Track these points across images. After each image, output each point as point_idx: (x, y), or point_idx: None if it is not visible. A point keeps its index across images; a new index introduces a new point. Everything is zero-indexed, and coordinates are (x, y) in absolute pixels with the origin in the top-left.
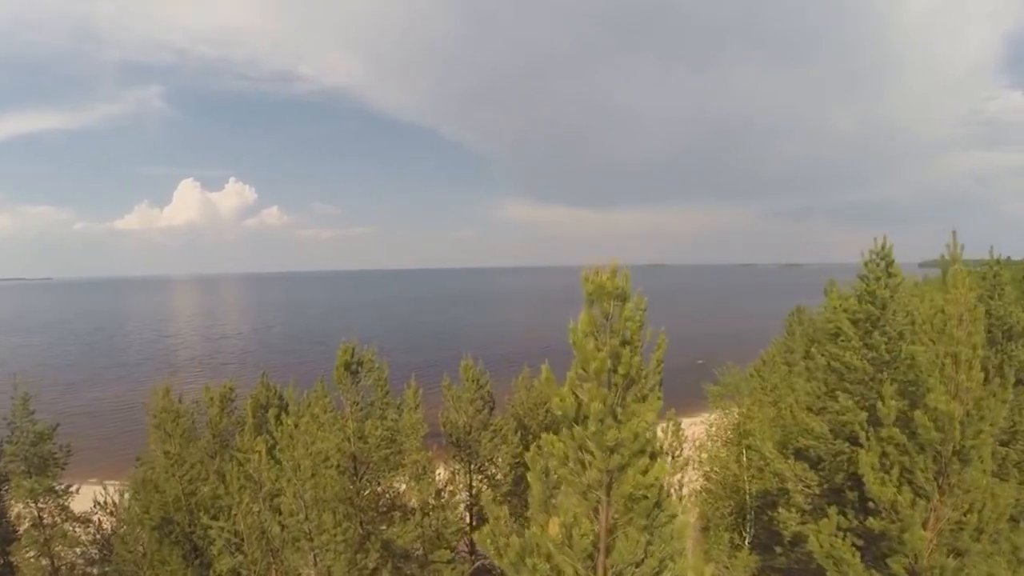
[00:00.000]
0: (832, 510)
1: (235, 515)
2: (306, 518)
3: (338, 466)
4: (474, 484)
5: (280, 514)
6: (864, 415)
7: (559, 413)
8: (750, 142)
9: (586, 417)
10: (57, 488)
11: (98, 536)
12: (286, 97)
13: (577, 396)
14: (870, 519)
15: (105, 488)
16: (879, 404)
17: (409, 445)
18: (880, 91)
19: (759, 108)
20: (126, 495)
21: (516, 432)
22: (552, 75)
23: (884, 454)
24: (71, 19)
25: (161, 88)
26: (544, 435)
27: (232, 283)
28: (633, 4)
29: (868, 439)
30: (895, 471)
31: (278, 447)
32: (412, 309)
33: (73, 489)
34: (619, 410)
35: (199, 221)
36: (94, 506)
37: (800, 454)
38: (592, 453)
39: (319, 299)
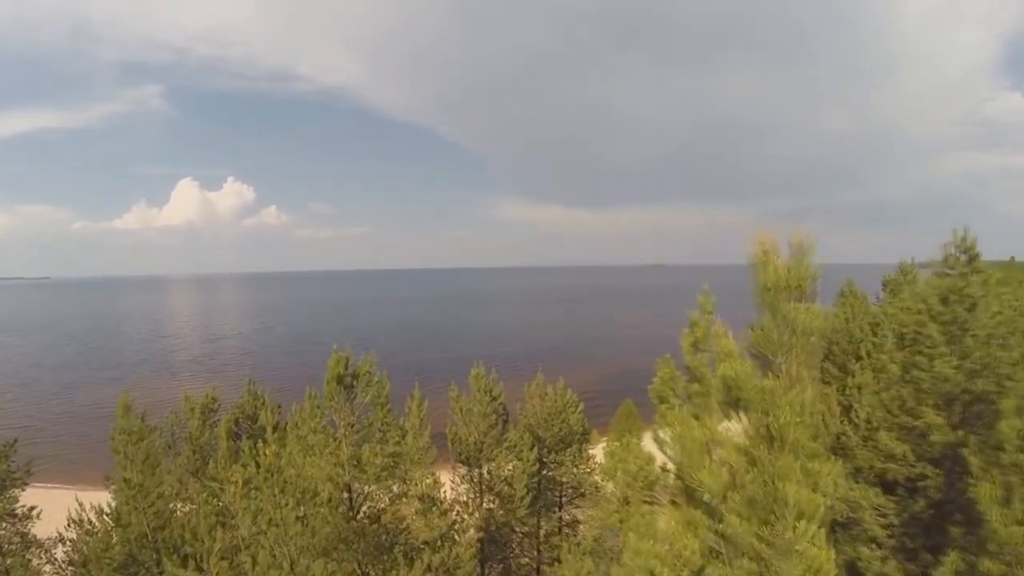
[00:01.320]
0: (953, 556)
1: (207, 560)
2: (291, 570)
3: (330, 500)
4: (485, 503)
5: (258, 564)
6: (968, 436)
7: (706, 497)
8: (748, 143)
9: (735, 491)
10: (18, 512)
11: (75, 556)
12: (284, 96)
13: (731, 465)
14: (985, 562)
15: (81, 505)
16: (1002, 424)
17: (415, 474)
18: (878, 92)
19: (757, 109)
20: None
21: (532, 447)
22: (550, 76)
23: (1007, 485)
24: (70, 18)
25: (159, 87)
26: (662, 519)
27: (230, 283)
28: (631, 5)
29: (984, 467)
30: (1017, 505)
31: (254, 485)
32: (411, 309)
33: (35, 513)
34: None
35: (197, 221)
36: (68, 525)
37: (862, 475)
38: (764, 561)
39: (318, 299)
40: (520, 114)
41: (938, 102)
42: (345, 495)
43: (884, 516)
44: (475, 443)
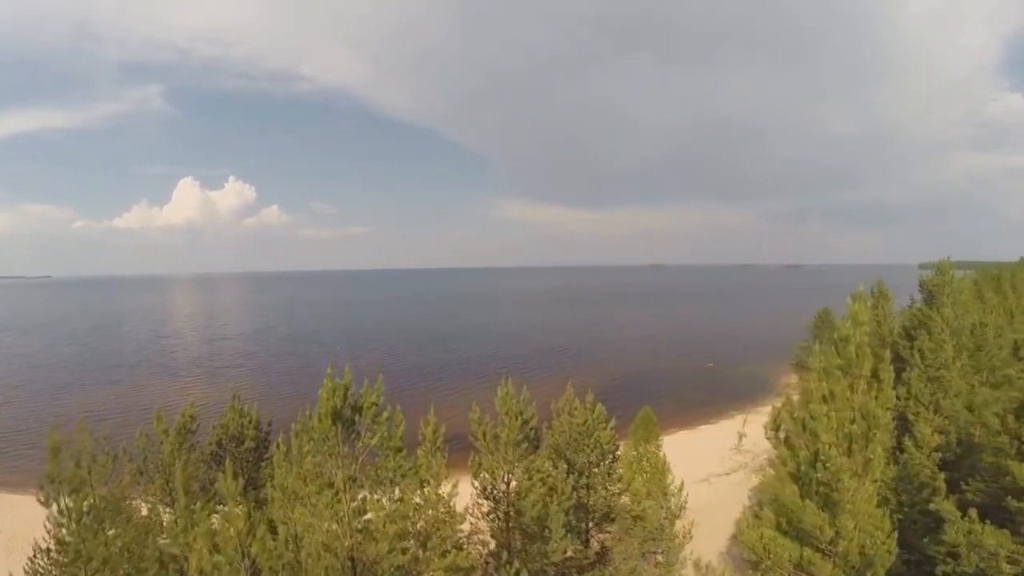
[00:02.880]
0: None
1: None
2: None
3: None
4: (511, 539)
5: None
6: None
7: None
8: (748, 143)
9: None
10: None
11: None
12: (285, 96)
13: None
14: None
15: (49, 532)
16: None
17: (442, 541)
18: (878, 92)
19: (758, 109)
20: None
21: (568, 475)
22: (551, 77)
23: None
24: (71, 18)
25: (161, 87)
26: None
27: (231, 282)
28: (632, 5)
29: None
30: None
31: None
32: (413, 309)
33: None
34: None
35: (198, 220)
36: (35, 554)
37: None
38: None
39: (319, 299)
40: (521, 114)
41: (939, 102)
42: (347, 563)
43: (1015, 563)
44: (503, 476)
